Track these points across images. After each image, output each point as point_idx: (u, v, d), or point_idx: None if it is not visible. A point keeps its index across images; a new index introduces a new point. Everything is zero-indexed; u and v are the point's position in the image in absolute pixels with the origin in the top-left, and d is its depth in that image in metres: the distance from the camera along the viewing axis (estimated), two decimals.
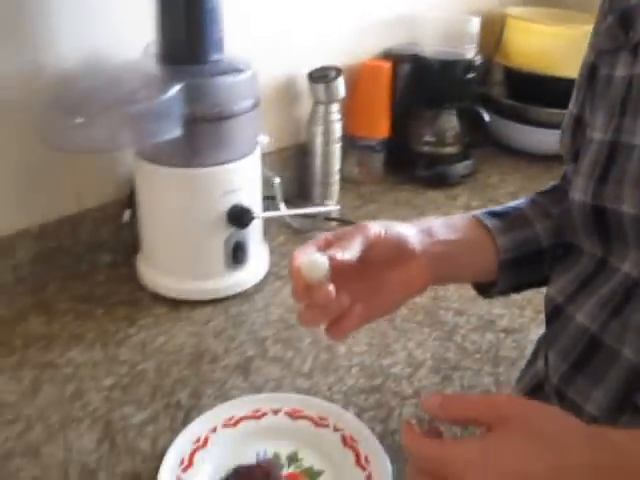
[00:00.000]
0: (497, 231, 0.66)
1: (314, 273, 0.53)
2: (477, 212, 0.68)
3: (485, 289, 0.70)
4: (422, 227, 0.63)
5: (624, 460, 0.41)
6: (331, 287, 0.53)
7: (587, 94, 0.63)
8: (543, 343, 0.67)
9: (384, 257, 0.59)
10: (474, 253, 0.66)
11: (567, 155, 0.67)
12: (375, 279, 0.60)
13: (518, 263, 0.66)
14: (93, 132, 0.80)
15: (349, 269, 0.56)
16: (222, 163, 0.89)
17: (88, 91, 0.85)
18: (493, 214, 0.68)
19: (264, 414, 0.74)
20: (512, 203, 0.71)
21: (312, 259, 0.53)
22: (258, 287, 0.99)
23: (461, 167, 1.39)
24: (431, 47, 1.33)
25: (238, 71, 0.88)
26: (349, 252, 0.55)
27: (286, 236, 1.14)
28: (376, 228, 0.59)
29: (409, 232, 0.61)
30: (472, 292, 0.95)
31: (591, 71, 0.62)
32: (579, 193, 0.58)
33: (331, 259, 0.53)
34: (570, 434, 0.42)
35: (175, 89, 0.81)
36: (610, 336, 0.55)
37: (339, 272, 0.54)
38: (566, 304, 0.61)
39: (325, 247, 0.56)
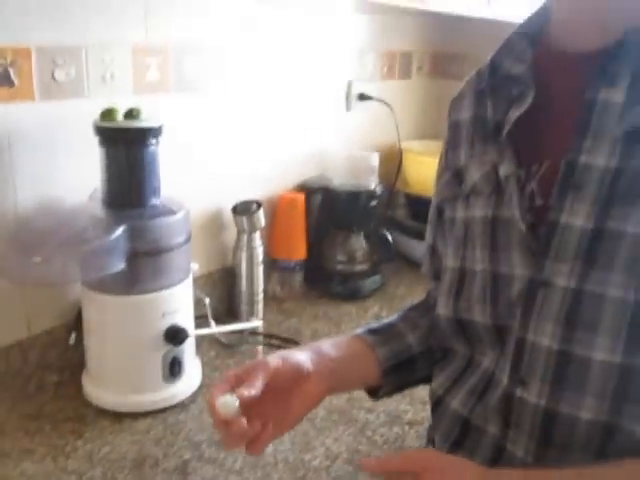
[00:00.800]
0: (376, 345, 0.81)
1: (228, 412, 0.64)
2: (359, 330, 0.83)
3: (374, 392, 0.84)
4: (314, 350, 0.76)
5: None
6: (243, 420, 0.65)
7: (437, 229, 0.81)
8: (431, 429, 0.82)
9: (285, 383, 0.72)
10: (358, 365, 0.80)
11: (428, 274, 0.85)
12: (280, 401, 0.72)
13: (397, 369, 0.81)
14: (48, 269, 0.93)
15: (258, 399, 0.68)
16: (160, 289, 1.03)
17: (43, 232, 0.99)
18: (372, 331, 0.83)
19: None
20: (388, 319, 0.86)
21: (224, 401, 0.65)
22: (193, 397, 1.11)
23: (371, 282, 1.58)
24: (338, 179, 1.55)
25: (173, 212, 1.04)
26: (255, 389, 0.67)
27: (217, 350, 1.27)
28: (274, 362, 0.71)
29: (303, 358, 0.74)
30: None
31: (438, 212, 0.81)
32: (443, 309, 0.75)
33: (240, 398, 0.66)
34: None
35: (119, 230, 0.96)
36: (477, 418, 0.71)
37: (250, 403, 0.66)
38: (445, 395, 0.77)
39: (236, 383, 0.68)
